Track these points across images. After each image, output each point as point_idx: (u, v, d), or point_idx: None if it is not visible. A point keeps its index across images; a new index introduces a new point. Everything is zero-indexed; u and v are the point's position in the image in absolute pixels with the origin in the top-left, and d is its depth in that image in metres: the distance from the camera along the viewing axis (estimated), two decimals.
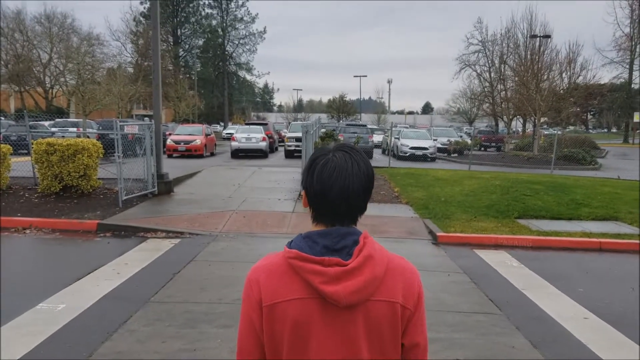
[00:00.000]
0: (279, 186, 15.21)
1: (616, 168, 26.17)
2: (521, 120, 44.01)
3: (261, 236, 9.53)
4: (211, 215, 10.98)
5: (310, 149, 13.73)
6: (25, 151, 18.72)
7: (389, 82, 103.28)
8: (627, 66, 62.60)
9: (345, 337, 1.43)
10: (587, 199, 13.13)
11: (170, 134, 29.89)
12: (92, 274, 6.99)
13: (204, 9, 77.15)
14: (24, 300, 5.85)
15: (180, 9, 75.14)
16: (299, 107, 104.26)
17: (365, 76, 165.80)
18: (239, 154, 28.20)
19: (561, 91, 32.26)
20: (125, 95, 39.38)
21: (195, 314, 5.55)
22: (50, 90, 51.55)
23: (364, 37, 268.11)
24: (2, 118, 33.56)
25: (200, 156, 27.57)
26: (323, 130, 22.94)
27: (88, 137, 18.03)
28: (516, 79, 36.87)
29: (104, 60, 46.84)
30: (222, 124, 71.78)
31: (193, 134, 29.09)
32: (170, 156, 26.10)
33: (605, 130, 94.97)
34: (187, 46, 77.49)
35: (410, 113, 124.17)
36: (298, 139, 24.98)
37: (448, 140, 33.73)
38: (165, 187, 13.19)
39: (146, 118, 33.22)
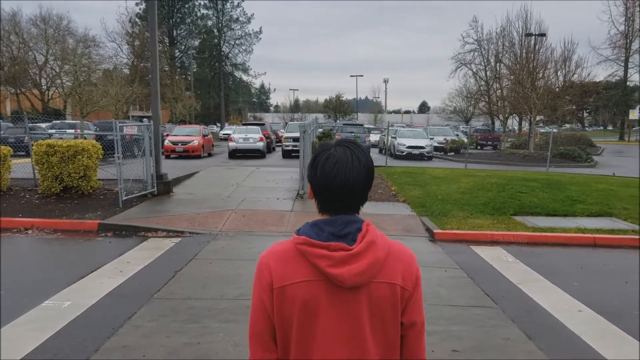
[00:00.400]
0: (277, 186, 15.34)
1: (612, 165, 26.37)
2: (517, 118, 44.23)
3: (260, 235, 9.66)
4: (211, 214, 11.10)
5: (308, 149, 13.86)
6: (23, 153, 18.82)
7: (385, 81, 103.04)
8: (623, 64, 62.97)
9: (349, 316, 1.56)
10: (582, 196, 13.30)
11: (167, 135, 30.00)
12: (95, 273, 7.11)
13: (199, 10, 77.35)
14: (31, 297, 5.97)
15: (175, 10, 75.24)
16: (296, 107, 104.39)
17: (362, 76, 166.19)
18: (237, 154, 28.32)
19: (556, 89, 32.44)
20: (122, 96, 39.43)
21: (198, 310, 5.68)
22: (47, 92, 51.51)
23: (360, 37, 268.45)
24: (1, 120, 33.58)
25: (198, 157, 27.69)
26: (320, 130, 23.09)
27: (85, 138, 18.10)
28: (512, 77, 37.08)
29: (100, 62, 46.88)
30: (218, 124, 71.86)
31: (190, 134, 29.23)
32: (168, 157, 26.19)
33: (602, 127, 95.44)
34: (183, 47, 77.59)
35: (407, 112, 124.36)
36: (295, 139, 25.11)
37: (444, 139, 33.92)
38: (164, 187, 13.31)
39: (145, 119, 33.27)
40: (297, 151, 18.93)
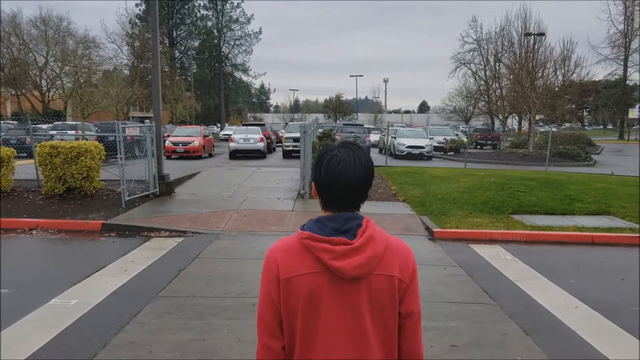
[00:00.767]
0: (278, 186, 15.46)
1: (611, 164, 26.47)
2: (517, 118, 44.35)
3: (262, 234, 9.77)
4: (212, 214, 11.22)
5: (309, 149, 13.98)
6: (25, 154, 18.95)
7: (385, 81, 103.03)
8: (622, 63, 63.03)
9: (350, 306, 1.68)
10: (581, 195, 13.42)
11: (168, 136, 30.12)
12: (100, 272, 7.22)
13: (199, 11, 77.47)
14: (38, 296, 6.09)
15: (175, 11, 75.36)
16: (296, 107, 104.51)
17: (362, 76, 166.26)
18: (237, 154, 28.44)
19: (556, 88, 32.54)
20: (123, 97, 39.54)
21: (202, 308, 5.80)
22: (47, 94, 51.63)
23: (360, 37, 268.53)
24: (1, 122, 33.70)
25: (199, 157, 27.81)
26: (320, 130, 23.18)
27: (86, 139, 18.22)
28: (511, 76, 37.17)
29: (100, 63, 46.99)
30: (219, 125, 71.99)
31: (191, 135, 29.37)
32: (169, 157, 26.31)
33: (601, 126, 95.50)
34: (182, 48, 77.73)
35: (407, 112, 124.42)
36: (296, 139, 25.24)
37: (444, 139, 34.04)
38: (166, 187, 13.43)
39: (147, 120, 33.39)
40: (298, 151, 19.05)
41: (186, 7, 75.74)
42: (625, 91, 64.51)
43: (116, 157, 11.92)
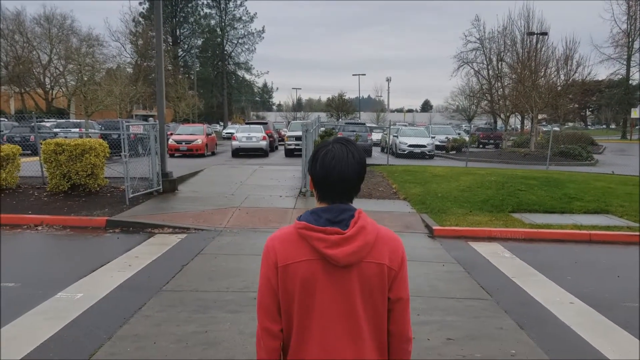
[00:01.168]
0: (280, 184, 15.61)
1: (613, 164, 26.54)
2: (520, 117, 44.39)
3: (264, 231, 9.91)
4: (215, 211, 11.37)
5: (311, 148, 14.12)
6: (29, 152, 19.13)
7: (388, 80, 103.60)
8: (625, 62, 63.01)
9: (343, 291, 1.81)
10: (580, 193, 13.52)
11: (171, 134, 30.28)
12: (105, 267, 7.37)
13: (202, 9, 77.62)
14: (45, 289, 6.24)
15: (179, 9, 75.53)
16: (298, 106, 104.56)
17: (364, 75, 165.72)
18: (240, 153, 28.59)
19: (558, 88, 32.62)
20: (126, 95, 39.74)
21: (205, 301, 5.94)
22: (50, 92, 51.84)
23: (363, 36, 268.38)
24: (5, 119, 33.91)
25: (202, 155, 27.97)
26: (322, 129, 23.34)
27: (90, 137, 18.39)
28: (513, 76, 37.24)
29: (104, 61, 47.22)
30: (221, 123, 72.17)
31: (194, 133, 29.52)
32: (172, 156, 26.46)
33: (604, 126, 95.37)
34: (186, 46, 77.93)
35: (410, 111, 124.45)
36: (298, 138, 25.35)
37: (446, 138, 34.13)
38: (169, 185, 13.58)
39: (150, 118, 33.56)
40: (300, 150, 19.18)
41: (189, 5, 75.93)
42: (628, 91, 64.48)
43: (119, 155, 12.08)
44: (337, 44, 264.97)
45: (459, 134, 39.07)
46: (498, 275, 7.42)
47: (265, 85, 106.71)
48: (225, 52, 78.05)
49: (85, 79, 38.09)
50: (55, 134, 22.57)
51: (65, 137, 17.74)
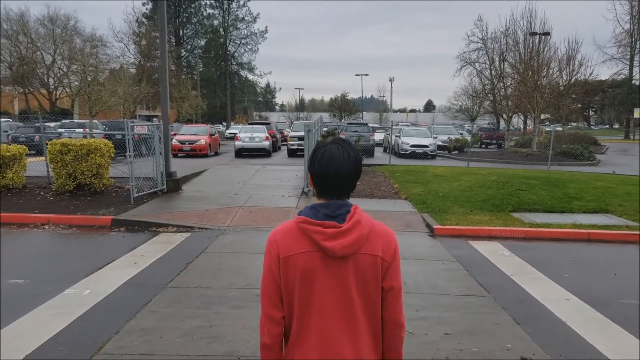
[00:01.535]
0: (282, 184, 15.76)
1: (615, 164, 26.63)
2: (522, 117, 44.47)
3: (267, 230, 10.05)
4: (219, 211, 11.52)
5: (313, 148, 14.27)
6: (34, 152, 19.32)
7: (391, 80, 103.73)
8: (628, 62, 63.00)
9: (339, 280, 1.96)
10: (580, 193, 13.64)
11: (175, 134, 30.46)
12: (111, 264, 7.54)
13: (205, 10, 77.73)
14: (52, 286, 6.40)
15: (182, 10, 75.72)
16: (301, 106, 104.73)
17: (367, 75, 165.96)
18: (243, 153, 28.75)
19: (561, 88, 32.70)
20: (130, 96, 39.95)
21: (210, 298, 6.10)
22: (54, 92, 52.11)
23: (365, 36, 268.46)
24: (10, 120, 34.15)
25: (205, 155, 28.14)
26: (325, 129, 23.47)
27: (94, 137, 18.55)
28: (516, 76, 37.32)
29: (107, 62, 47.45)
30: (224, 123, 72.37)
31: (197, 133, 29.71)
32: (175, 156, 26.59)
33: (608, 126, 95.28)
34: (189, 46, 78.07)
35: (413, 111, 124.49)
36: (300, 138, 25.52)
37: (448, 138, 34.23)
38: (173, 185, 13.74)
39: (155, 119, 33.77)
40: (302, 150, 19.34)
41: (192, 6, 76.11)
42: (631, 91, 64.39)
43: (123, 155, 12.22)
44: (340, 44, 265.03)
45: (461, 134, 39.15)
46: (497, 273, 7.55)
47: (268, 85, 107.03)
48: (228, 53, 78.24)
49: (89, 79, 38.27)
50: (60, 134, 22.77)
51: (70, 137, 17.91)
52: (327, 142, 2.07)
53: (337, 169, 1.98)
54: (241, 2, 77.27)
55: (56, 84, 51.72)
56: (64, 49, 49.74)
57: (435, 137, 31.91)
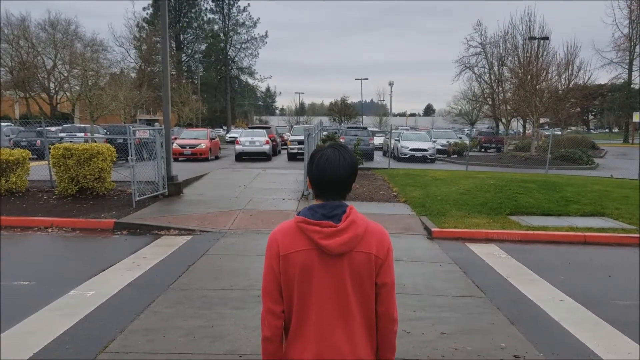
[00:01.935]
0: (282, 187, 15.90)
1: (613, 167, 26.78)
2: (522, 121, 44.64)
3: (267, 233, 10.14)
4: (220, 214, 11.66)
5: None
6: (35, 156, 19.47)
7: (391, 84, 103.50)
8: (627, 66, 63.25)
9: (336, 276, 2.10)
10: (577, 197, 13.78)
11: (175, 138, 30.62)
12: (114, 266, 7.67)
13: (205, 14, 78.13)
14: (57, 288, 6.54)
15: (182, 15, 76.05)
16: (301, 110, 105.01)
17: (367, 79, 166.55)
18: (243, 157, 28.90)
19: (560, 92, 32.87)
20: (131, 100, 40.13)
21: (211, 299, 6.23)
22: (55, 96, 52.31)
23: (365, 40, 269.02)
24: (12, 124, 34.31)
25: (206, 159, 28.30)
26: (325, 133, 23.63)
27: (95, 141, 18.73)
28: (515, 80, 37.51)
29: (108, 67, 47.66)
30: (225, 127, 72.60)
31: (198, 137, 29.91)
32: (176, 160, 26.72)
33: (607, 130, 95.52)
34: (189, 51, 78.35)
35: (412, 115, 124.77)
36: (300, 142, 25.65)
37: (447, 142, 34.39)
38: (175, 188, 13.89)
39: (156, 123, 33.95)
40: (302, 154, 19.47)
41: (193, 10, 76.46)
42: (630, 95, 64.61)
43: (124, 159, 12.33)
44: (340, 48, 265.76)
45: (460, 138, 39.32)
46: (493, 275, 7.68)
47: (268, 89, 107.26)
48: (229, 57, 78.53)
49: (90, 83, 38.48)
50: (61, 138, 22.94)
51: (71, 141, 18.07)
52: (325, 147, 2.22)
53: (333, 172, 2.12)
54: (241, 7, 77.77)
55: (57, 89, 51.92)
56: (64, 53, 49.96)
57: (435, 141, 32.07)
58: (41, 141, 21.55)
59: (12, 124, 34.87)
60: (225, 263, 7.96)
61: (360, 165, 20.75)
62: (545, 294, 6.81)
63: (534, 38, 37.20)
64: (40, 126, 15.10)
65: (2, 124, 31.75)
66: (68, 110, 49.81)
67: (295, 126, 43.23)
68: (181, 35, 76.68)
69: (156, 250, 8.76)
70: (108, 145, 13.21)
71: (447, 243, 9.73)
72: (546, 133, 44.51)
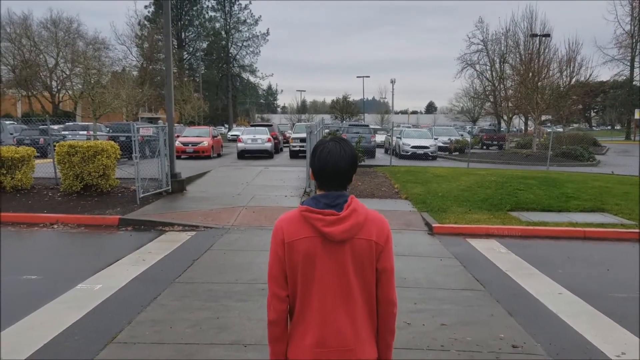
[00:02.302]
0: (284, 184, 16.02)
1: (615, 164, 26.84)
2: (523, 118, 44.71)
3: (270, 229, 10.27)
4: (223, 210, 11.79)
5: None
6: (39, 154, 19.61)
7: (392, 82, 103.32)
8: (629, 63, 63.27)
9: (338, 262, 2.22)
10: (577, 193, 13.88)
11: (178, 136, 30.73)
12: (120, 261, 7.80)
13: (207, 12, 78.20)
14: (65, 282, 6.67)
15: (184, 13, 76.13)
16: (303, 108, 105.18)
17: (368, 77, 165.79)
18: (245, 154, 29.01)
19: (561, 89, 32.91)
20: (133, 98, 40.27)
21: (216, 292, 6.36)
22: (57, 95, 52.49)
23: (367, 38, 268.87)
24: (15, 122, 34.45)
25: (208, 157, 28.44)
26: (327, 130, 23.74)
27: (98, 139, 18.83)
28: (516, 77, 37.56)
29: (110, 65, 47.82)
30: (226, 125, 72.73)
31: (200, 135, 30.04)
32: (178, 157, 26.63)
33: (609, 127, 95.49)
34: (191, 49, 78.46)
35: (414, 113, 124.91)
36: (302, 140, 25.77)
37: (449, 139, 34.50)
38: (178, 185, 14.02)
39: (160, 121, 34.07)
40: (304, 151, 19.59)
41: (194, 8, 76.54)
42: (632, 92, 64.66)
43: (127, 157, 12.43)
44: (341, 47, 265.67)
45: (462, 135, 39.41)
46: (493, 269, 7.80)
47: (270, 87, 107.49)
48: (230, 55, 78.61)
49: (92, 82, 38.62)
50: (64, 136, 23.05)
51: (74, 139, 18.19)
52: (326, 140, 2.33)
53: (334, 163, 2.24)
54: (243, 5, 77.81)
55: (59, 87, 52.11)
56: (66, 51, 50.16)
57: (436, 139, 32.16)
58: (45, 139, 21.73)
59: (15, 122, 34.97)
60: (229, 258, 8.09)
61: (362, 163, 20.87)
62: (544, 287, 6.92)
63: (536, 35, 37.25)
64: (43, 124, 15.22)
65: (5, 121, 31.90)
66: (70, 108, 50.04)
67: (297, 124, 43.38)
68: (183, 33, 76.76)
69: (161, 245, 8.89)
70: (112, 142, 13.33)
71: (447, 238, 9.84)
72: (548, 130, 44.63)
